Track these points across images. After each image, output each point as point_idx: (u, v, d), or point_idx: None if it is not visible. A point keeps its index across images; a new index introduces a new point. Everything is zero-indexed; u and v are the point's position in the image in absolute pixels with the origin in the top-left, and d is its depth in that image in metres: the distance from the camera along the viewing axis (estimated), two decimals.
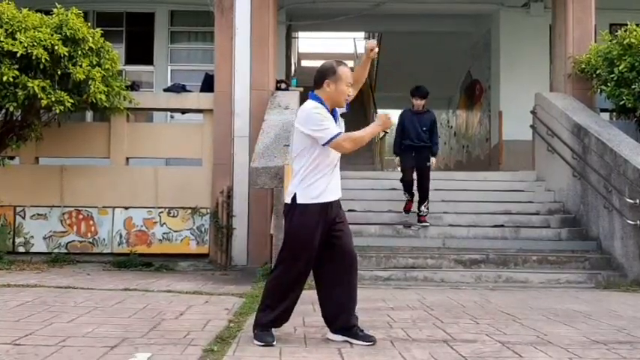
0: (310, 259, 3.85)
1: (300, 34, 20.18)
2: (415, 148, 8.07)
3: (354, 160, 14.25)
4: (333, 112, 3.93)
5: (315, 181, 3.82)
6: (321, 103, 3.89)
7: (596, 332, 4.40)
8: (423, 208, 8.08)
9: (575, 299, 6.02)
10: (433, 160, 8.19)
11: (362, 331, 3.93)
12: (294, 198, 3.83)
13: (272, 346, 3.77)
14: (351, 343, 3.86)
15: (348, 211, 8.42)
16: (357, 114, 18.10)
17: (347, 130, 3.97)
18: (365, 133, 3.90)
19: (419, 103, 8.15)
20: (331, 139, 3.77)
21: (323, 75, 3.91)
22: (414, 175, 8.15)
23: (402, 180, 8.23)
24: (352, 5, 12.68)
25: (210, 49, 10.17)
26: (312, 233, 3.80)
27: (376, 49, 4.12)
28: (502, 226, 8.19)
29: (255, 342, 3.83)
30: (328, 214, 3.85)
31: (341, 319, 3.92)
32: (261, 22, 8.72)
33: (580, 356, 3.69)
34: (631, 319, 4.99)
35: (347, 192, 8.89)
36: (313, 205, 3.80)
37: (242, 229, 8.30)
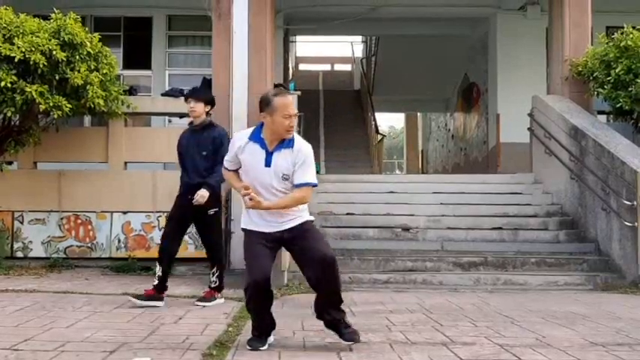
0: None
1: (298, 37, 20.25)
2: (193, 188, 5.52)
3: (352, 163, 14.27)
4: (280, 144, 3.80)
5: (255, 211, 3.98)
6: (258, 133, 3.85)
7: (595, 334, 4.41)
8: (211, 277, 5.72)
9: (573, 301, 6.02)
10: (202, 191, 5.43)
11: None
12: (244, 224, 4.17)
13: (258, 350, 3.79)
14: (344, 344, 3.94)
15: (346, 214, 8.50)
16: (356, 117, 18.15)
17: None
18: (233, 183, 4.05)
19: (192, 108, 5.60)
20: (224, 166, 4.06)
21: (260, 106, 3.84)
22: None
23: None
24: (349, 9, 12.71)
25: (208, 54, 10.19)
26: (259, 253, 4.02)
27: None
28: (500, 228, 8.19)
29: (246, 346, 3.87)
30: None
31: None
32: (259, 26, 8.73)
33: (579, 358, 3.69)
34: (630, 320, 4.99)
35: (346, 195, 8.99)
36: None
37: (240, 233, 8.20)
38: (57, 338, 3.99)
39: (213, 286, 5.70)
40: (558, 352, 3.83)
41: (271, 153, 3.81)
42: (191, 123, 5.79)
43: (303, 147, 3.85)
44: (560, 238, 8.04)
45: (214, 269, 5.68)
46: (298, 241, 3.91)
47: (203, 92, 5.77)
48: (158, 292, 5.46)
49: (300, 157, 3.81)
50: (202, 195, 5.40)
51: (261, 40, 8.73)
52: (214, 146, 5.51)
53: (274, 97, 3.78)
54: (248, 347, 3.82)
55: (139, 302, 5.30)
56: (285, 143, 3.82)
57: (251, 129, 3.97)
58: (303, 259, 3.95)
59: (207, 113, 5.66)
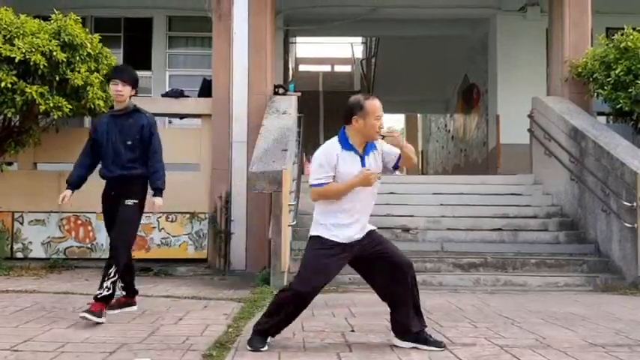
0: None
1: (298, 38, 20.24)
2: (113, 182, 4.92)
3: None
4: (366, 147, 3.91)
5: (347, 220, 3.92)
6: (346, 141, 3.88)
7: (594, 335, 4.41)
8: (106, 282, 4.65)
9: (573, 302, 6.03)
10: (158, 201, 4.96)
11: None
12: (321, 235, 3.91)
13: (259, 351, 3.78)
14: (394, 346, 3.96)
15: None
16: None
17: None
18: (343, 187, 3.85)
19: (119, 92, 4.88)
20: (312, 184, 3.88)
21: (350, 111, 3.89)
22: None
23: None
24: (349, 10, 12.72)
25: (208, 55, 10.20)
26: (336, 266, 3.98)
27: (398, 139, 3.90)
28: (500, 229, 8.20)
29: (248, 347, 3.84)
30: None
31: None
32: (259, 27, 8.74)
33: (579, 359, 3.69)
34: (629, 321, 5.00)
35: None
36: None
37: (240, 234, 8.30)
38: (57, 339, 3.99)
39: (105, 293, 4.62)
40: (558, 353, 3.83)
41: (363, 157, 3.90)
42: (111, 108, 5.21)
43: (382, 143, 4.00)
44: (560, 239, 8.04)
45: (110, 271, 4.67)
46: (375, 249, 3.96)
47: (129, 73, 4.99)
48: (129, 297, 5.10)
49: (383, 148, 3.98)
50: (159, 205, 4.96)
51: (261, 41, 8.74)
52: (142, 136, 4.87)
53: (365, 100, 3.89)
54: (248, 348, 3.82)
55: (113, 312, 4.85)
56: (369, 146, 3.94)
57: (334, 139, 3.92)
58: (384, 266, 3.96)
59: (131, 97, 4.96)
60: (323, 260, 3.85)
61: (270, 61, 8.97)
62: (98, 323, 4.46)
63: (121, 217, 4.83)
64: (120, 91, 4.88)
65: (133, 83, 4.97)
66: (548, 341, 4.18)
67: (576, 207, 8.27)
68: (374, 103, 3.88)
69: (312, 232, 3.95)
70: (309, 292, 3.84)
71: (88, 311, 4.52)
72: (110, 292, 4.64)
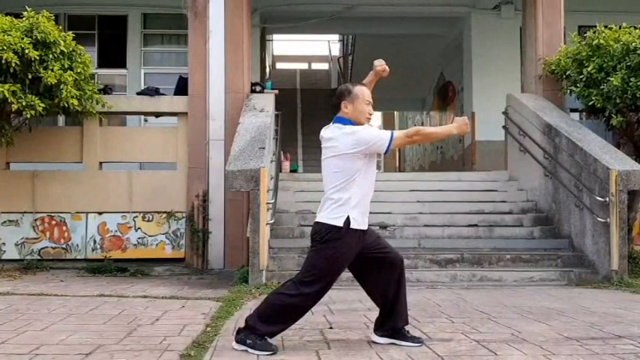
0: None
1: (275, 36, 20.21)
2: None
3: None
4: None
5: (365, 207, 3.83)
6: (352, 123, 3.82)
7: (569, 329, 4.48)
8: None
9: (548, 297, 6.11)
10: None
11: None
12: (347, 222, 3.69)
13: (276, 352, 3.69)
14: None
15: None
16: (334, 116, 18.14)
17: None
18: (438, 130, 3.93)
19: None
20: (390, 140, 3.73)
21: (339, 97, 3.88)
22: None
23: None
24: (325, 8, 12.73)
25: (184, 52, 10.14)
26: (351, 259, 3.81)
27: (387, 69, 4.12)
28: (476, 225, 8.28)
29: (260, 353, 3.66)
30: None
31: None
32: (235, 25, 8.70)
33: (554, 353, 3.75)
34: (603, 315, 5.08)
35: (320, 194, 8.98)
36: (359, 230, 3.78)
37: (218, 233, 8.27)
38: (31, 341, 3.93)
39: None
40: (534, 347, 3.89)
41: None
42: None
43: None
44: (535, 234, 8.15)
45: None
46: (375, 242, 3.93)
47: None
48: None
49: None
50: None
51: (238, 39, 8.71)
52: None
53: (354, 86, 3.90)
54: (267, 353, 3.63)
55: None
56: None
57: (347, 125, 3.80)
58: (379, 261, 3.92)
59: None
60: (347, 258, 3.78)
61: (247, 59, 8.94)
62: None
63: None
64: None
65: None
66: (524, 335, 4.23)
67: (550, 202, 8.39)
68: (362, 89, 3.90)
69: (333, 221, 3.71)
70: (317, 294, 3.76)
71: None
72: None
